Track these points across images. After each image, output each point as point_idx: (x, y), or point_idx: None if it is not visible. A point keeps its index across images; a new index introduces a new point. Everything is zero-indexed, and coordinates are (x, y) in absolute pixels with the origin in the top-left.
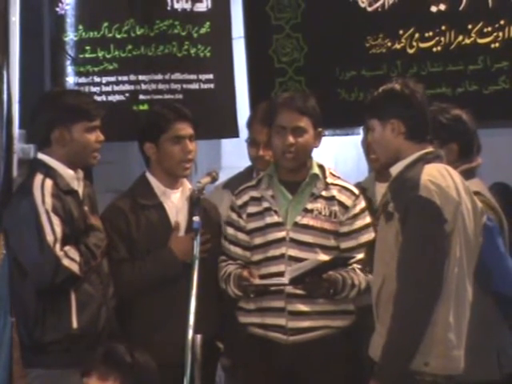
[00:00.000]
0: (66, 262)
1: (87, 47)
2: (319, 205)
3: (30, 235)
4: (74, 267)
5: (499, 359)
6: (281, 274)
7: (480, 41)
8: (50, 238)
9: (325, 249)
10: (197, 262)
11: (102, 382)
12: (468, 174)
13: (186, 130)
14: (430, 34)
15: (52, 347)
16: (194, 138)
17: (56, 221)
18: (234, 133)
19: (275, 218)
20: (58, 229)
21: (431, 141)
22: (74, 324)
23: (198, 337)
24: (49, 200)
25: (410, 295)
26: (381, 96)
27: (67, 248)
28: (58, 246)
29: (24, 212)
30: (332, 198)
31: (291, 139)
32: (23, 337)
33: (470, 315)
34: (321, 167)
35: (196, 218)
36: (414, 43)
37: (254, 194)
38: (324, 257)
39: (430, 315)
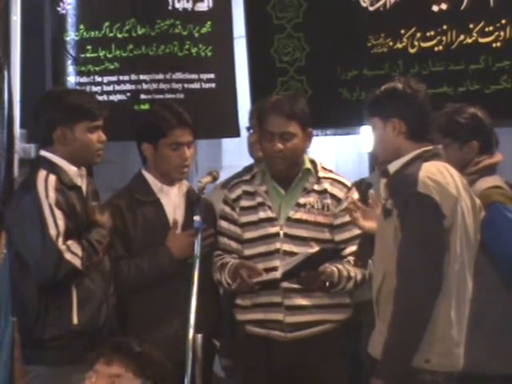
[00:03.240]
0: (68, 256)
1: (88, 47)
2: (311, 199)
3: (32, 229)
4: (76, 261)
5: None
6: (275, 269)
7: (481, 40)
8: (52, 231)
9: (319, 242)
10: (197, 262)
11: (107, 367)
12: (489, 170)
13: (186, 136)
14: (432, 33)
15: (52, 343)
16: (192, 143)
17: (59, 215)
18: (234, 132)
19: (268, 213)
20: (61, 223)
21: (431, 140)
22: (75, 320)
23: (199, 336)
24: (52, 194)
25: (409, 291)
26: (383, 94)
27: (70, 242)
28: (60, 240)
29: (27, 206)
30: (324, 192)
31: (279, 145)
32: (24, 333)
33: (492, 309)
34: (312, 162)
35: (197, 218)
36: (416, 43)
37: (248, 188)
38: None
39: (431, 311)
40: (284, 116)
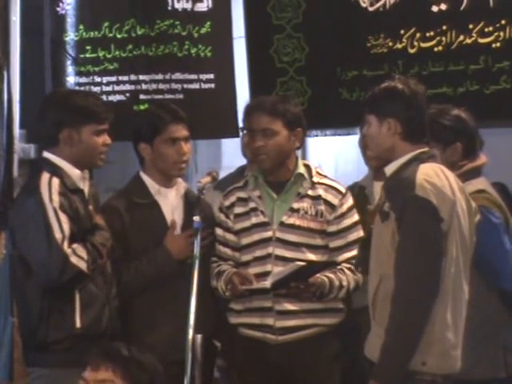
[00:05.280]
0: (73, 259)
1: (88, 47)
2: (305, 204)
3: (37, 233)
4: (82, 265)
5: (505, 357)
6: (268, 274)
7: (481, 40)
8: (58, 235)
9: (311, 248)
10: (197, 262)
11: (94, 373)
12: (473, 173)
13: (181, 131)
14: (431, 33)
15: (55, 346)
16: (189, 139)
17: (64, 218)
18: (234, 133)
19: (261, 218)
20: (66, 226)
21: (427, 142)
22: (78, 323)
23: (199, 337)
24: (56, 198)
25: (407, 294)
26: (381, 93)
27: (75, 246)
28: (65, 244)
29: (31, 210)
30: (318, 198)
31: (259, 142)
32: (26, 336)
33: (476, 313)
34: (307, 166)
35: (196, 218)
36: (416, 43)
37: (241, 194)
38: (310, 256)
39: (428, 314)
40: (265, 113)
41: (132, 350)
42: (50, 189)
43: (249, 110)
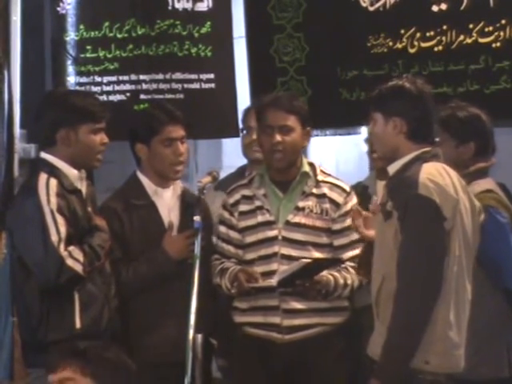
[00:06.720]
0: (69, 262)
1: (88, 47)
2: (310, 203)
3: (34, 235)
4: (78, 267)
5: (509, 357)
6: (273, 273)
7: (481, 40)
8: (54, 238)
9: (317, 246)
10: (198, 262)
11: (55, 374)
12: (482, 173)
13: (178, 132)
14: (432, 33)
15: (55, 347)
16: (185, 139)
17: (61, 220)
18: (234, 132)
19: (267, 217)
20: (63, 229)
21: (432, 142)
22: (78, 324)
23: (199, 336)
24: (54, 200)
25: (410, 293)
26: (389, 91)
27: (71, 248)
28: (62, 246)
29: (29, 212)
30: (323, 196)
31: (278, 138)
32: (26, 336)
33: (480, 312)
34: (311, 165)
35: (197, 218)
36: (416, 43)
37: (246, 192)
38: (316, 254)
39: (431, 313)
40: (283, 110)
41: (90, 347)
42: (47, 190)
43: (264, 107)
